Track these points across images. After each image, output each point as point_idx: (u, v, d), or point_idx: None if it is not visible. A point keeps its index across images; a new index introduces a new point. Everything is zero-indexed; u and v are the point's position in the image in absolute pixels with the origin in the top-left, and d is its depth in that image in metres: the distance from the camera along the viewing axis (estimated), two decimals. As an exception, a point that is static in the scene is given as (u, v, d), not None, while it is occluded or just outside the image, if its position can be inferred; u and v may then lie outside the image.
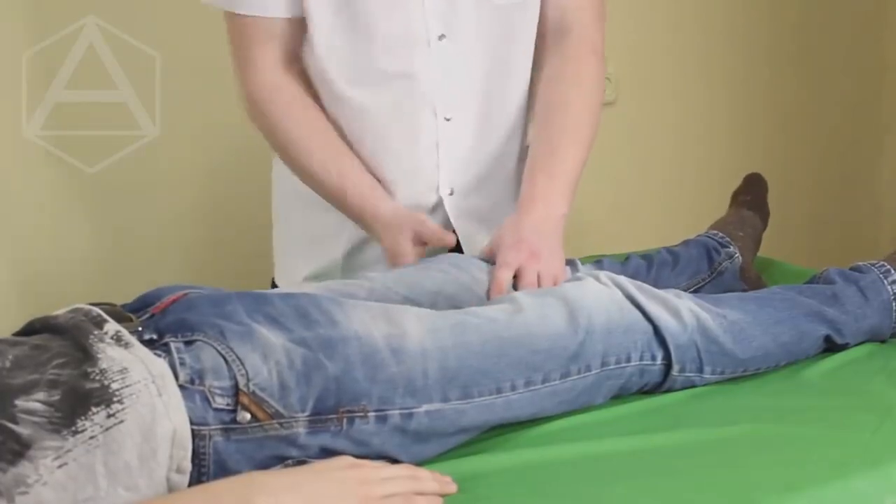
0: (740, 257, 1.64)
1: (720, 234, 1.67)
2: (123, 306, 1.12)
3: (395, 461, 1.07)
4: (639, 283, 1.29)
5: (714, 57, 2.74)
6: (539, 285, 1.34)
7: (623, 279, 1.28)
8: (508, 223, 1.42)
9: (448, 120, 1.51)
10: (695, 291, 1.55)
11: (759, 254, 1.79)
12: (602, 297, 1.23)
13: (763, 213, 1.76)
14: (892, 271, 1.42)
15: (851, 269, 1.44)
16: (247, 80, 1.51)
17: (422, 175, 1.53)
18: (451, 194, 1.55)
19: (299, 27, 1.48)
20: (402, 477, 0.99)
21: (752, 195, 1.77)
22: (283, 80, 1.50)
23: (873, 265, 1.43)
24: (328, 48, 1.47)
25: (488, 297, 1.33)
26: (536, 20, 1.55)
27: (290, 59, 1.51)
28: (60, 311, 1.07)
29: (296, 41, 1.50)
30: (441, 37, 1.47)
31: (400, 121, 1.50)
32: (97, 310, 1.06)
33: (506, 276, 1.34)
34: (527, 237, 1.38)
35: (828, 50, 2.90)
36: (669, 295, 1.29)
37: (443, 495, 1.00)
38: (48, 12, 2.02)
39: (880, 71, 2.98)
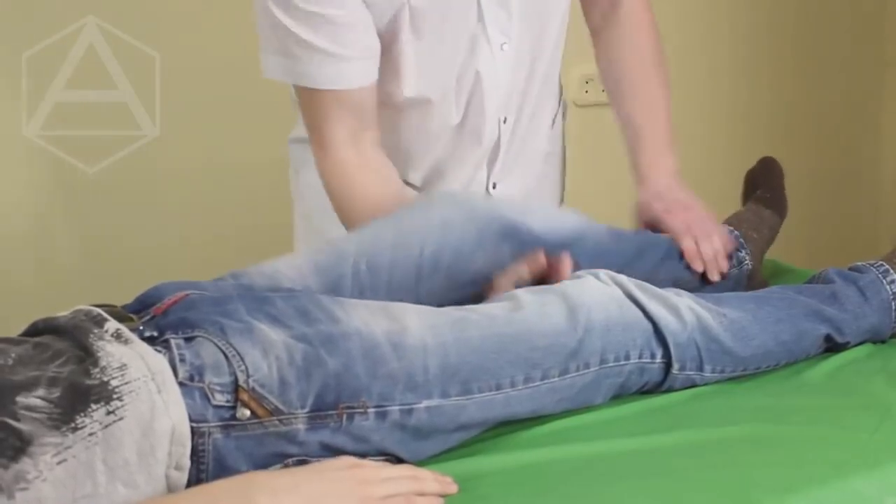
0: (749, 264, 1.58)
1: (735, 233, 1.61)
2: (124, 307, 1.13)
3: (395, 458, 1.07)
4: (639, 281, 1.29)
5: (714, 55, 2.75)
6: (710, 230, 1.49)
7: (623, 277, 1.28)
8: (646, 195, 1.56)
9: (505, 122, 1.57)
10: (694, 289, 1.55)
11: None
12: (601, 294, 1.24)
13: (781, 207, 1.70)
14: (891, 271, 1.42)
15: (850, 269, 1.44)
16: (319, 156, 1.48)
17: (478, 173, 1.61)
18: (494, 188, 1.63)
19: (373, 92, 1.46)
20: (402, 477, 0.99)
21: (771, 191, 1.71)
22: (353, 157, 1.46)
23: (872, 265, 1.43)
24: (415, 86, 1.49)
25: (699, 274, 1.48)
26: (566, 9, 1.59)
27: (364, 124, 1.46)
28: (62, 313, 1.08)
29: (371, 101, 1.46)
30: (503, 45, 1.51)
31: (469, 128, 1.55)
32: (98, 310, 1.06)
33: (692, 245, 1.48)
34: (667, 196, 1.54)
35: (828, 48, 2.90)
36: (669, 293, 1.29)
37: (444, 496, 1.00)
38: (48, 12, 2.02)
39: (880, 70, 2.98)
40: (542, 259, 1.33)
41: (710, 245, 1.49)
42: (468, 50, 1.50)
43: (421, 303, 1.23)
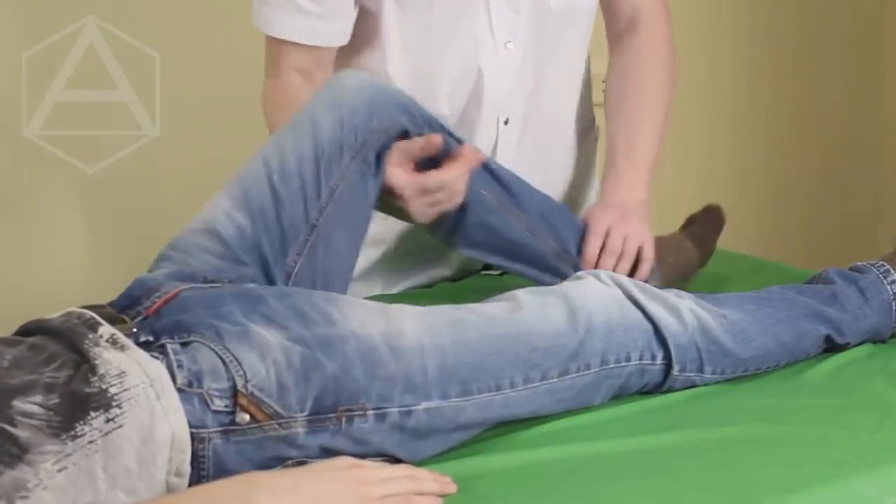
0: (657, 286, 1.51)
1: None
2: (111, 304, 1.12)
3: (394, 459, 1.07)
4: (639, 282, 1.29)
5: (714, 56, 2.75)
6: (624, 249, 1.41)
7: (624, 278, 1.28)
8: (596, 203, 1.52)
9: (506, 123, 1.56)
10: None
11: (755, 255, 1.78)
12: (603, 296, 1.24)
13: (704, 250, 1.62)
14: (892, 271, 1.41)
15: (851, 269, 1.44)
16: (266, 81, 1.53)
17: None
18: None
19: (335, 49, 1.49)
20: (401, 477, 0.99)
21: (704, 229, 1.65)
22: (299, 82, 1.49)
23: (873, 265, 1.43)
24: (400, 65, 1.49)
25: (587, 255, 1.42)
26: (589, 22, 1.59)
27: (318, 71, 1.50)
28: (53, 315, 1.07)
29: (329, 59, 1.50)
30: (507, 43, 1.51)
31: (462, 126, 1.54)
32: (90, 313, 1.06)
33: (594, 251, 1.42)
34: (614, 205, 1.49)
35: (828, 49, 2.90)
36: (670, 294, 1.29)
37: (442, 495, 1.00)
38: (48, 12, 2.02)
39: (880, 71, 2.98)
40: (437, 140, 1.33)
41: (612, 264, 1.43)
42: (470, 43, 1.50)
43: (337, 197, 1.26)
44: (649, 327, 1.23)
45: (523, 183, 1.46)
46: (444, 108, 1.53)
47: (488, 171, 1.41)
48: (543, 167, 1.63)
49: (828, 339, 1.36)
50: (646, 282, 1.41)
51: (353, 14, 1.47)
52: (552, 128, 1.64)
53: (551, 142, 1.65)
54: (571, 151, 1.71)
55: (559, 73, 1.59)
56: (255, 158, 1.30)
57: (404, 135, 1.34)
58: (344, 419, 1.04)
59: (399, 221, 1.48)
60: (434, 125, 1.37)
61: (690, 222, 1.66)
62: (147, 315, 1.08)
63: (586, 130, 1.73)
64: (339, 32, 1.48)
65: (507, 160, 1.57)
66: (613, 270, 1.39)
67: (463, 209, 1.39)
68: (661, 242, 1.54)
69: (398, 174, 1.32)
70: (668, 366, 1.24)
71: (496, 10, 1.49)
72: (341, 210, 1.29)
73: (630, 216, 1.47)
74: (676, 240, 1.60)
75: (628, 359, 1.21)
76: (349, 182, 1.29)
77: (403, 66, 1.49)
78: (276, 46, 1.49)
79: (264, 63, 1.53)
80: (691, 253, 1.59)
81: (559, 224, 1.47)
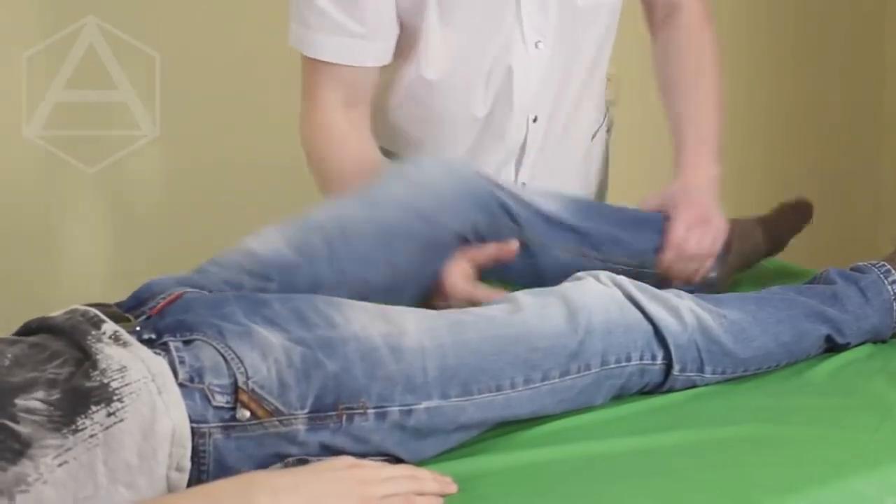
0: (714, 275, 1.54)
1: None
2: (118, 305, 1.13)
3: (394, 459, 1.07)
4: (639, 283, 1.29)
5: (714, 57, 2.74)
6: (695, 252, 1.46)
7: (623, 279, 1.28)
8: (678, 186, 1.54)
9: (535, 121, 1.58)
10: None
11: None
12: (602, 296, 1.24)
13: (776, 244, 1.66)
14: (893, 271, 1.41)
15: (852, 269, 1.44)
16: (305, 117, 1.51)
17: (504, 173, 1.60)
18: (524, 186, 1.61)
19: (376, 72, 1.49)
20: (402, 477, 1.00)
21: (780, 222, 1.68)
22: (341, 121, 1.49)
23: (874, 265, 1.43)
24: (437, 71, 1.50)
25: (661, 263, 1.46)
26: (613, 19, 1.61)
27: (359, 99, 1.50)
28: (57, 313, 1.07)
29: (370, 82, 1.50)
30: (537, 43, 1.52)
31: (493, 123, 1.56)
32: (94, 310, 1.06)
33: (669, 261, 1.46)
34: (696, 199, 1.51)
35: (828, 50, 2.91)
36: (670, 295, 1.29)
37: (443, 495, 1.00)
38: (48, 12, 2.03)
39: (880, 71, 2.98)
40: (513, 249, 1.36)
41: (685, 268, 1.48)
42: (502, 45, 1.51)
43: (395, 273, 1.27)
44: (649, 327, 1.23)
45: (589, 212, 1.47)
46: (479, 109, 1.54)
47: (555, 223, 1.43)
48: (564, 162, 1.65)
49: (828, 339, 1.36)
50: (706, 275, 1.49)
51: (395, 32, 1.47)
52: (574, 124, 1.65)
53: (572, 138, 1.66)
54: (589, 145, 1.72)
55: (584, 70, 1.61)
56: (319, 210, 1.31)
57: (474, 230, 1.36)
58: (344, 417, 1.04)
59: None
60: (512, 212, 1.39)
61: (778, 210, 1.69)
62: (150, 315, 1.09)
63: (599, 122, 1.75)
64: (381, 52, 1.48)
65: (532, 156, 1.60)
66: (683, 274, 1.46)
67: (538, 269, 1.41)
68: (733, 226, 1.57)
69: (456, 277, 1.33)
70: (668, 366, 1.24)
71: (527, 12, 1.50)
72: (398, 281, 1.30)
73: (708, 214, 1.50)
74: (751, 227, 1.63)
75: (628, 359, 1.21)
76: (408, 260, 1.30)
77: (441, 72, 1.50)
78: (316, 70, 1.47)
79: (302, 89, 1.51)
80: (759, 240, 1.63)
81: (631, 241, 1.48)
